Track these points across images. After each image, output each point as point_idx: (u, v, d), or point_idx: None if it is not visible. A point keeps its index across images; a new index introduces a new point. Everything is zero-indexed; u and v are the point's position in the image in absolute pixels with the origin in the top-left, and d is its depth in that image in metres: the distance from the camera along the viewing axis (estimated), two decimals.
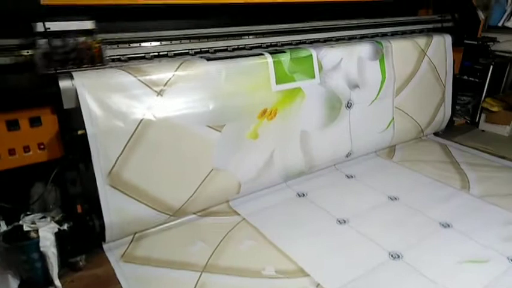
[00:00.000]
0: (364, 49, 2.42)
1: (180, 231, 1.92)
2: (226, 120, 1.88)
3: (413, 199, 2.23)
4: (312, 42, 2.42)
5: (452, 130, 3.24)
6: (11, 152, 1.50)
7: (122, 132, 1.60)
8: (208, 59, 1.83)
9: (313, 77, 2.18)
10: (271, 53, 2.04)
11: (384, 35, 2.78)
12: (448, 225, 1.99)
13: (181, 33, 1.93)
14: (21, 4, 1.43)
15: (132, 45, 1.81)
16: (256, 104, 1.99)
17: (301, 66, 2.13)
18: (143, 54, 1.83)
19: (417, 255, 1.76)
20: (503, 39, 3.28)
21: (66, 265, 1.62)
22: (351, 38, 2.61)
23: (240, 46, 2.13)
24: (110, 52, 1.72)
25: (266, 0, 2.15)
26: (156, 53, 1.87)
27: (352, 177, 2.50)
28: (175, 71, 1.73)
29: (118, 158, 1.60)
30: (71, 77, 1.51)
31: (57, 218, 1.57)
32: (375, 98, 2.52)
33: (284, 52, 2.08)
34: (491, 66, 3.18)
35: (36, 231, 1.50)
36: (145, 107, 1.64)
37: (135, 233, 1.81)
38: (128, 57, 1.79)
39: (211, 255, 1.74)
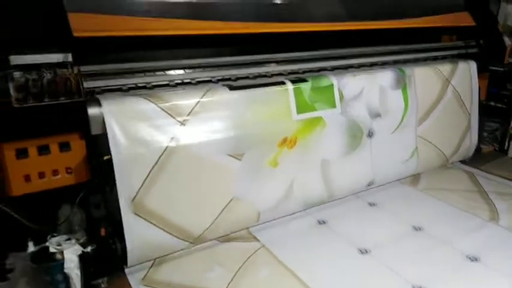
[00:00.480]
0: (386, 78, 2.42)
1: (200, 256, 1.94)
2: (246, 149, 1.91)
3: (438, 230, 2.17)
4: (334, 69, 2.44)
5: (480, 158, 3.15)
6: (41, 175, 1.57)
7: (146, 160, 1.65)
8: (231, 88, 1.88)
9: (334, 106, 2.19)
10: (292, 81, 2.08)
11: (406, 61, 2.78)
12: (476, 259, 1.92)
13: (204, 61, 1.99)
14: None
15: (157, 73, 1.88)
16: (277, 132, 2.02)
17: (322, 95, 2.15)
18: (167, 82, 1.90)
19: None
20: None
21: (89, 287, 1.65)
22: (373, 65, 2.62)
23: (262, 73, 2.17)
24: (136, 80, 1.80)
25: (287, 29, 2.20)
26: (180, 81, 1.93)
27: (374, 205, 2.47)
28: (199, 100, 1.78)
29: (141, 185, 1.64)
30: (99, 104, 1.58)
31: (81, 240, 1.62)
32: (397, 127, 2.50)
33: (306, 81, 2.11)
34: None
35: (62, 253, 1.54)
36: (169, 137, 1.69)
37: (156, 258, 1.83)
38: (153, 85, 1.86)
39: (230, 282, 1.74)
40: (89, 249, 1.60)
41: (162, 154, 1.69)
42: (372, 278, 1.79)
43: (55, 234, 1.65)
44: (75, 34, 1.49)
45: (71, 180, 1.64)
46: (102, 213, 1.63)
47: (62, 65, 1.53)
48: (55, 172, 1.60)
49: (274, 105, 2.01)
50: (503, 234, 2.13)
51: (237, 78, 2.09)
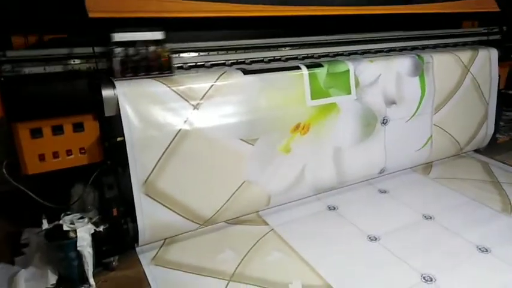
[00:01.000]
0: (403, 64, 2.36)
1: (210, 238, 1.96)
2: (259, 134, 1.90)
3: (449, 219, 2.15)
4: (350, 54, 2.39)
5: (495, 147, 3.09)
6: (55, 154, 1.59)
7: (159, 143, 1.65)
8: (245, 72, 1.86)
9: (350, 92, 2.16)
10: (307, 66, 2.04)
11: (425, 47, 2.71)
12: (486, 250, 1.90)
13: (218, 44, 1.96)
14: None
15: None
16: (290, 118, 2.00)
17: (337, 81, 2.11)
18: (181, 64, 1.88)
19: (451, 280, 1.70)
20: None
21: (100, 265, 1.68)
22: (390, 51, 2.56)
23: (276, 57, 2.14)
24: None
25: (303, 12, 2.15)
26: (194, 63, 1.91)
27: (385, 192, 2.45)
28: (213, 84, 1.76)
29: (154, 167, 1.65)
30: (113, 86, 1.58)
31: (94, 220, 1.65)
32: (413, 115, 2.46)
33: (321, 66, 2.07)
34: None
35: (75, 231, 1.57)
36: (182, 120, 1.69)
37: (166, 238, 1.86)
38: None
39: (239, 264, 1.76)
40: (101, 228, 1.63)
41: (175, 137, 1.69)
42: (381, 265, 1.79)
43: (68, 213, 1.68)
44: (90, 15, 1.48)
45: (84, 161, 1.65)
46: (114, 193, 1.64)
47: (155, 42, 1.67)
48: (69, 152, 1.62)
49: (288, 90, 1.98)
50: None
51: (251, 62, 2.06)
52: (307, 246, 1.90)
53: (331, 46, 2.31)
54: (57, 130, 1.57)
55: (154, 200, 1.70)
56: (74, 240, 1.56)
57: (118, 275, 1.70)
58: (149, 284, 1.64)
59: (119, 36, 1.60)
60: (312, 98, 2.04)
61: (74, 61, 1.64)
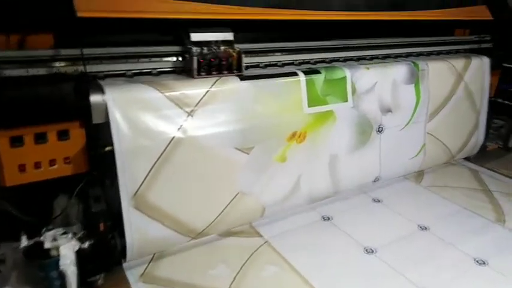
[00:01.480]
0: (399, 72, 2.32)
1: (201, 251, 1.86)
2: (255, 143, 1.82)
3: (444, 230, 2.12)
4: (346, 60, 2.34)
5: (484, 155, 3.10)
6: (37, 165, 1.47)
7: (150, 153, 1.55)
8: (242, 78, 1.77)
9: (346, 100, 2.10)
10: (305, 72, 1.97)
11: (419, 54, 2.68)
12: (484, 263, 1.87)
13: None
14: None
15: (164, 59, 1.75)
16: (287, 126, 1.93)
17: (334, 88, 2.05)
18: (174, 69, 1.78)
19: None
20: None
21: (85, 284, 1.57)
22: (386, 57, 2.52)
23: (272, 62, 2.06)
24: (140, 65, 1.67)
25: (300, 17, 2.07)
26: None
27: (379, 201, 2.41)
28: (208, 90, 1.67)
29: (144, 179, 1.55)
30: (102, 91, 1.46)
31: (79, 235, 1.53)
32: (407, 123, 2.42)
33: (319, 72, 2.00)
34: None
35: (57, 248, 1.45)
36: (175, 128, 1.59)
37: (155, 253, 1.75)
38: (159, 71, 1.74)
39: (233, 281, 1.67)
40: (86, 244, 1.51)
41: (167, 146, 1.59)
42: (378, 278, 1.74)
43: (50, 227, 1.55)
44: (79, 14, 1.36)
45: (68, 171, 1.54)
46: (101, 207, 1.53)
47: (226, 42, 1.75)
48: (52, 162, 1.49)
49: (285, 97, 1.90)
50: (511, 236, 2.09)
51: (247, 67, 1.97)
52: (302, 259, 1.83)
53: (328, 52, 2.24)
54: (40, 138, 1.45)
55: (144, 213, 1.60)
56: (57, 259, 1.44)
57: None
58: None
59: (196, 36, 1.69)
60: (309, 106, 1.97)
61: (59, 63, 1.51)
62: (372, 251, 1.92)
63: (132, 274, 1.68)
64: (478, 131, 2.89)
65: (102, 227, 1.53)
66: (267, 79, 1.85)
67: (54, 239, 1.48)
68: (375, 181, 2.42)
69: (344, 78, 2.09)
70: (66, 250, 1.45)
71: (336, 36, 2.37)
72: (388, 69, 2.28)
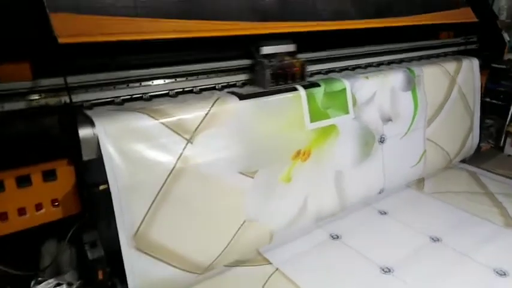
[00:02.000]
0: (397, 79, 2.25)
1: (208, 287, 1.71)
2: (259, 165, 1.70)
3: (457, 240, 2.05)
4: (341, 70, 2.25)
5: (479, 156, 3.07)
6: (21, 211, 1.29)
7: (149, 187, 1.40)
8: (240, 97, 1.64)
9: (347, 112, 2.00)
10: (304, 86, 1.86)
11: (411, 59, 2.63)
12: (505, 274, 1.80)
13: (206, 67, 1.73)
14: None
15: (154, 82, 1.61)
16: (290, 144, 1.81)
17: (335, 101, 1.95)
18: (167, 91, 1.64)
19: None
20: None
21: None
22: (380, 64, 2.45)
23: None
24: (130, 91, 1.53)
25: (293, 29, 1.97)
26: (181, 89, 1.67)
27: (385, 213, 2.32)
28: (207, 113, 1.53)
29: (145, 216, 1.39)
30: (92, 124, 1.30)
31: (75, 286, 1.35)
32: (407, 131, 2.35)
33: (318, 85, 1.90)
34: None
35: None
36: (174, 158, 1.44)
37: None
38: (150, 95, 1.59)
39: None
40: None
41: (167, 178, 1.44)
42: None
43: (40, 279, 1.37)
44: (60, 40, 1.20)
45: (58, 214, 1.37)
46: (99, 253, 1.36)
47: (289, 53, 1.85)
48: (39, 206, 1.32)
49: (287, 114, 1.79)
50: None
51: (243, 84, 1.85)
52: (318, 285, 1.71)
53: (323, 63, 2.14)
54: (23, 182, 1.28)
55: (147, 254, 1.43)
56: None
57: None
58: None
59: (267, 50, 1.79)
60: (311, 121, 1.86)
61: (40, 95, 1.34)
62: (389, 270, 1.81)
63: None
64: (473, 132, 2.86)
65: (101, 275, 1.36)
66: (266, 96, 1.73)
67: None
68: (379, 193, 2.32)
69: (344, 90, 2.00)
70: None
71: (327, 46, 2.28)
72: (386, 77, 2.21)
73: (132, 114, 1.42)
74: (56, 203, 1.35)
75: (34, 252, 1.46)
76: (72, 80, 1.37)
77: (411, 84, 2.33)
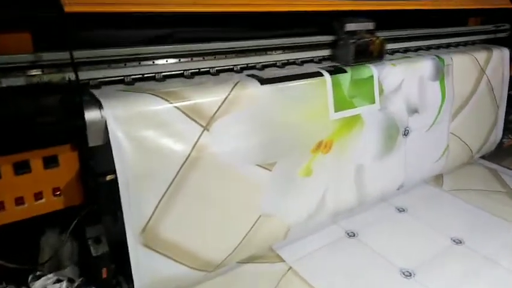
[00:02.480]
0: (425, 67, 2.09)
1: (218, 284, 1.60)
2: (278, 157, 1.55)
3: (480, 243, 1.93)
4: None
5: (499, 152, 2.93)
6: (19, 201, 1.16)
7: (161, 178, 1.26)
8: (262, 81, 1.49)
9: (374, 102, 1.85)
10: (329, 72, 1.70)
11: (438, 47, 2.45)
12: None
13: (226, 45, 1.57)
14: None
15: (168, 60, 1.45)
16: (312, 135, 1.66)
17: (361, 89, 1.80)
18: (182, 71, 1.48)
19: None
20: None
21: None
22: (406, 50, 2.28)
23: (290, 60, 1.78)
24: (142, 69, 1.37)
25: (316, 8, 1.79)
26: (197, 70, 1.51)
27: (403, 210, 2.20)
28: (226, 98, 1.38)
29: (154, 210, 1.26)
30: (100, 106, 1.16)
31: (76, 283, 1.23)
32: (432, 124, 2.20)
33: (344, 71, 1.74)
34: None
35: None
36: (189, 146, 1.30)
37: None
38: (164, 75, 1.44)
39: None
40: None
41: (180, 168, 1.30)
42: None
43: (38, 273, 1.25)
44: (66, 9, 1.04)
45: (59, 204, 1.23)
46: (104, 249, 1.23)
47: (368, 31, 1.87)
48: (38, 195, 1.19)
49: (310, 101, 1.64)
50: None
51: (263, 67, 1.69)
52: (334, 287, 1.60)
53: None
54: (22, 168, 1.13)
55: (155, 251, 1.31)
56: None
57: None
58: None
59: (350, 26, 1.80)
60: (336, 110, 1.71)
61: (42, 71, 1.19)
62: (410, 274, 1.70)
63: None
64: (496, 127, 2.71)
65: (105, 273, 1.23)
66: (289, 82, 1.58)
67: None
68: (398, 189, 2.19)
69: (371, 77, 1.84)
70: None
71: None
72: (414, 64, 2.05)
73: (144, 96, 1.27)
74: (58, 192, 1.22)
75: (33, 245, 1.33)
76: (78, 54, 1.21)
77: (439, 74, 2.17)
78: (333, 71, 1.72)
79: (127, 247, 1.24)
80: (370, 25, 1.87)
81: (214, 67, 1.54)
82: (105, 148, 1.17)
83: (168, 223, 1.31)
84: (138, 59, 1.35)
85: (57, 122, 1.14)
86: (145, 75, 1.39)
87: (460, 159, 2.54)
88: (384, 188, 2.10)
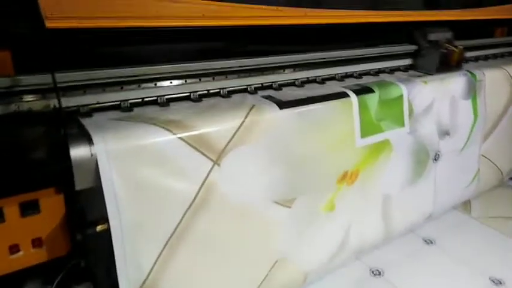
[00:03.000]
0: (458, 85, 1.88)
1: None
2: (298, 192, 1.35)
3: None
4: (392, 70, 1.88)
5: None
6: None
7: (162, 225, 1.06)
8: (281, 105, 1.28)
9: (403, 124, 1.64)
10: (355, 91, 1.50)
11: (467, 60, 2.25)
12: None
13: (235, 64, 1.37)
14: None
15: (173, 81, 1.24)
16: (337, 165, 1.46)
17: (390, 110, 1.59)
18: (188, 93, 1.27)
19: None
20: None
21: None
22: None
23: (310, 78, 1.58)
24: (142, 93, 1.16)
25: (336, 20, 1.60)
26: (206, 91, 1.31)
27: (431, 242, 1.97)
28: (240, 125, 1.17)
29: (154, 264, 1.05)
30: (90, 141, 0.95)
31: None
32: (463, 147, 1.98)
33: (371, 91, 1.53)
34: None
35: None
36: (197, 185, 1.09)
37: None
38: (167, 99, 1.23)
39: None
40: None
41: (185, 213, 1.09)
42: None
43: None
44: (48, 24, 0.84)
45: (40, 257, 1.02)
46: None
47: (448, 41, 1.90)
48: (14, 248, 0.98)
49: (335, 126, 1.43)
50: None
51: (280, 86, 1.48)
52: None
53: (375, 61, 1.77)
54: None
55: None
56: None
57: None
58: None
59: (433, 36, 1.86)
60: (362, 136, 1.50)
61: (21, 97, 0.99)
62: None
63: None
64: None
65: None
66: (311, 104, 1.37)
67: None
68: (427, 218, 1.98)
69: (400, 97, 1.63)
70: None
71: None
72: (446, 82, 1.83)
73: (143, 126, 1.06)
74: (38, 243, 1.01)
75: None
76: (65, 77, 1.01)
77: (472, 91, 1.96)
78: (359, 91, 1.51)
79: None
80: (449, 35, 1.91)
81: (225, 88, 1.33)
82: (96, 191, 0.96)
83: (170, 278, 1.09)
84: (138, 81, 1.15)
85: (38, 162, 0.93)
86: (146, 99, 1.18)
87: (490, 183, 2.32)
88: (413, 220, 1.89)
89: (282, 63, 1.47)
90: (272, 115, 1.27)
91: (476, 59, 2.31)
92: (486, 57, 2.37)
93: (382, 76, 1.83)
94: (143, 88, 1.18)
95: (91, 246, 0.98)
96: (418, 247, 1.95)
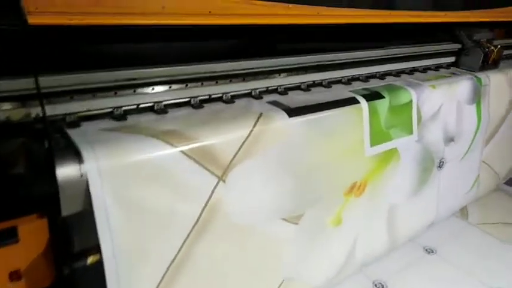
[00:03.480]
0: (464, 89, 1.81)
1: None
2: (306, 207, 1.24)
3: None
4: (398, 73, 1.79)
5: None
6: None
7: (161, 252, 0.92)
8: (290, 113, 1.16)
9: (411, 132, 1.55)
10: (365, 97, 1.39)
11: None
12: None
13: (241, 66, 1.24)
14: None
15: (173, 86, 1.11)
16: (346, 176, 1.36)
17: (399, 117, 1.50)
18: (188, 98, 1.14)
19: None
20: None
21: None
22: (438, 67, 1.99)
23: (316, 81, 1.47)
24: (136, 98, 1.02)
25: (345, 20, 1.49)
26: (207, 96, 1.17)
27: (432, 252, 1.91)
28: (247, 136, 1.05)
29: None
30: (79, 158, 0.81)
31: None
32: (466, 153, 1.92)
33: (381, 96, 1.43)
34: None
35: None
36: (200, 205, 0.97)
37: None
38: (165, 105, 1.09)
39: None
40: None
41: (187, 237, 0.97)
42: None
43: None
44: (30, 20, 0.69)
45: None
46: None
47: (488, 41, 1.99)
48: None
49: (345, 135, 1.33)
50: None
51: (286, 90, 1.36)
52: None
53: (383, 63, 1.67)
54: None
55: None
56: None
57: None
58: None
59: (478, 36, 1.94)
60: (372, 144, 1.41)
61: None
62: None
63: None
64: None
65: None
66: (321, 111, 1.26)
67: None
68: (429, 226, 1.91)
69: (410, 102, 1.54)
70: None
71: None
72: (453, 86, 1.76)
73: (139, 138, 0.93)
74: (17, 276, 0.86)
75: None
76: (49, 81, 0.86)
77: (477, 96, 1.89)
78: (369, 96, 1.41)
79: None
80: (490, 34, 2.00)
81: (228, 92, 1.20)
82: (86, 216, 0.82)
83: None
84: (133, 85, 1.00)
85: (17, 182, 0.78)
86: (141, 106, 1.04)
87: (489, 188, 2.28)
88: (416, 228, 1.82)
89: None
90: (281, 124, 1.15)
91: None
92: None
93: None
94: (138, 94, 1.03)
95: (81, 282, 0.85)
96: (420, 257, 1.88)
